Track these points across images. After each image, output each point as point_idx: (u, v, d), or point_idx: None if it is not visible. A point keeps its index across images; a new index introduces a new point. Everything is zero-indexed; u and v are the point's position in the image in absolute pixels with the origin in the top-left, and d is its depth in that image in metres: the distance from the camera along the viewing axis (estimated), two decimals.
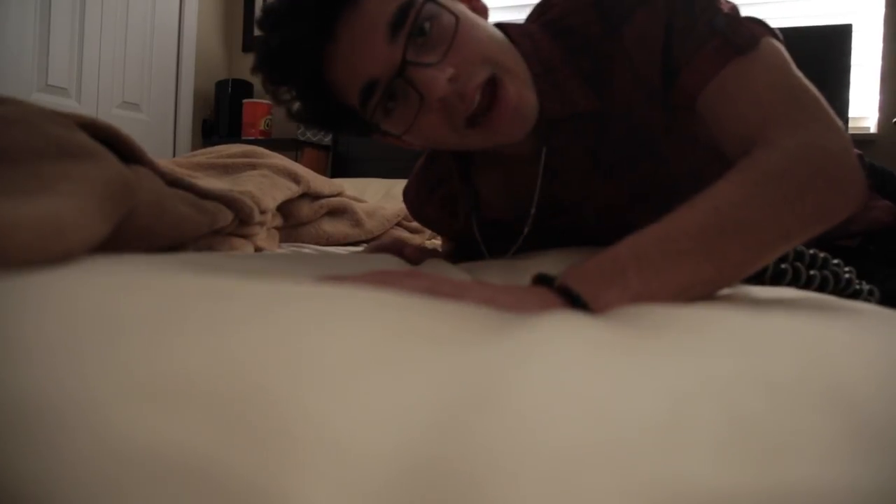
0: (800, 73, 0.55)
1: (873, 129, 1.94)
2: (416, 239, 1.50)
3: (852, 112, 1.79)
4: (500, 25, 0.66)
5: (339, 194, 1.22)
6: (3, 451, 0.14)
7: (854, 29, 1.80)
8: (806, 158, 0.47)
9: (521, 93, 0.58)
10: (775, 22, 0.60)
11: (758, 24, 0.58)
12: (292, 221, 1.09)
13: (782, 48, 0.57)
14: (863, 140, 1.92)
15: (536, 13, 0.69)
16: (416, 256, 0.78)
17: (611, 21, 0.61)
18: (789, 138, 0.49)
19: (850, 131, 1.81)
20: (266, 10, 0.61)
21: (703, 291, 0.43)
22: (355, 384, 0.18)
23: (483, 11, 0.64)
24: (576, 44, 0.63)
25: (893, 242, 0.76)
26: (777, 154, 0.48)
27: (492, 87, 0.57)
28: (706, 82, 0.56)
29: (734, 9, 0.59)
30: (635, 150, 0.64)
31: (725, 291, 0.36)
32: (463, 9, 0.60)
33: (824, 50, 1.78)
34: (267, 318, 0.22)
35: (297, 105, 0.64)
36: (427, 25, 0.56)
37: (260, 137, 2.62)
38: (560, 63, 0.63)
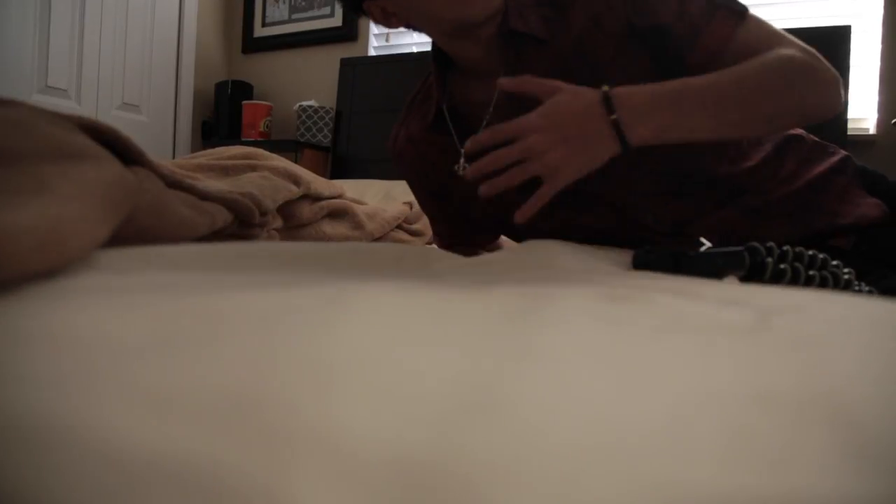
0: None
1: (872, 131, 1.94)
2: (416, 242, 1.50)
3: (851, 113, 1.79)
4: None
5: (339, 196, 1.22)
6: (9, 470, 0.14)
7: (853, 30, 1.81)
8: (802, 66, 0.69)
9: None
10: (775, 23, 0.72)
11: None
12: (292, 223, 1.09)
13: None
14: (862, 141, 1.92)
15: None
16: None
17: None
18: (790, 51, 0.69)
19: (850, 132, 1.81)
20: None
21: (703, 136, 0.65)
22: (356, 385, 0.18)
23: None
24: None
25: (885, 240, 0.77)
26: (781, 56, 0.68)
27: None
28: (727, 42, 0.74)
29: None
30: (585, 76, 0.76)
31: (730, 294, 0.37)
32: None
33: (823, 51, 1.77)
34: (266, 320, 0.22)
35: None
36: None
37: (259, 139, 2.62)
38: (530, 4, 0.80)
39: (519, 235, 0.98)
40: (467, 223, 0.99)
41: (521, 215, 0.66)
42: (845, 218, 0.79)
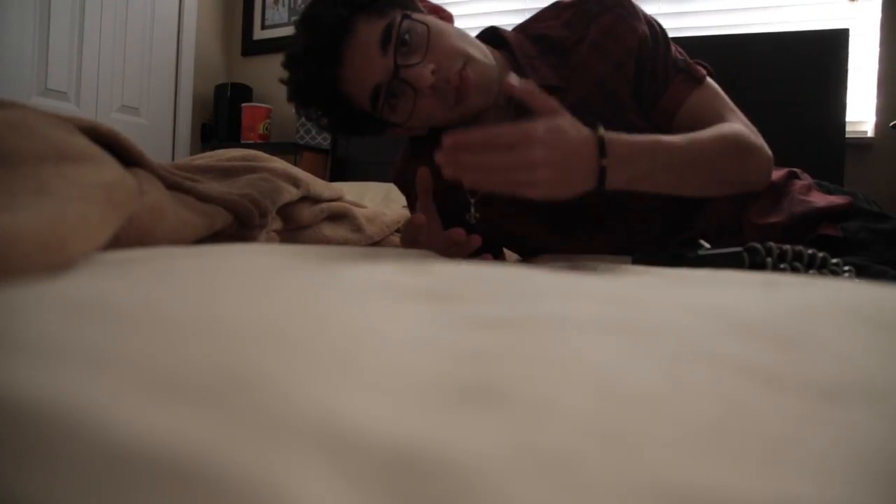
0: (727, 98, 0.87)
1: (871, 133, 1.94)
2: None
3: (850, 116, 1.79)
4: (496, 28, 0.91)
5: (338, 198, 1.22)
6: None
7: (851, 33, 1.81)
8: (749, 143, 0.79)
9: (482, 73, 0.79)
10: (772, 27, 0.76)
11: (699, 65, 0.87)
12: (292, 225, 1.09)
13: (712, 80, 0.88)
14: (860, 144, 1.92)
15: (520, 28, 0.93)
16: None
17: (575, 26, 0.86)
18: (736, 126, 0.79)
19: (848, 135, 1.80)
20: (288, 54, 0.82)
21: (663, 190, 0.72)
22: (355, 374, 0.18)
23: (449, 19, 0.86)
24: (546, 46, 0.87)
25: (863, 233, 0.84)
26: (733, 131, 0.78)
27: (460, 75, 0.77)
28: (680, 105, 0.84)
29: (682, 52, 0.88)
30: (608, 114, 0.82)
31: (734, 291, 0.37)
32: (433, 19, 0.80)
33: (821, 54, 1.78)
34: (264, 304, 0.22)
35: (325, 120, 0.86)
36: (407, 37, 0.76)
37: (259, 141, 2.61)
38: (536, 56, 0.86)
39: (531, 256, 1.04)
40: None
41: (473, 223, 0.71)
42: (818, 203, 0.88)
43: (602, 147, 0.64)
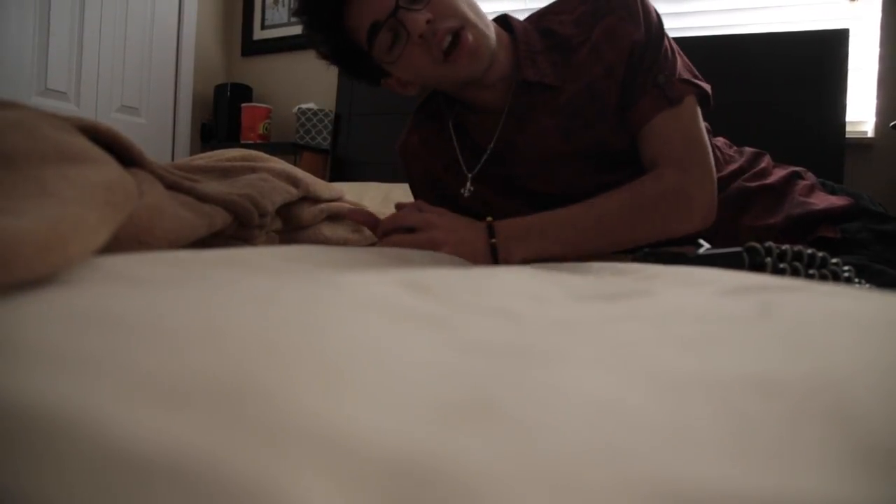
0: (701, 126, 0.85)
1: (871, 134, 1.94)
2: None
3: (850, 116, 1.79)
4: (506, 16, 0.93)
5: (338, 199, 1.22)
6: (2, 459, 0.14)
7: (851, 33, 1.81)
8: (675, 198, 0.79)
9: (479, 41, 0.81)
10: (772, 27, 0.74)
11: (686, 84, 0.84)
12: (292, 225, 1.09)
13: (696, 104, 0.85)
14: (860, 145, 1.92)
15: (534, 17, 0.94)
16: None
17: (584, 26, 0.86)
18: (673, 176, 0.80)
19: (848, 135, 1.81)
20: None
21: (569, 257, 0.77)
22: (357, 382, 0.18)
23: None
24: (553, 42, 0.88)
25: (863, 233, 0.85)
26: (659, 187, 0.80)
27: (458, 34, 0.79)
28: (645, 122, 0.84)
29: (674, 65, 0.85)
30: (592, 117, 0.86)
31: (735, 286, 0.37)
32: None
33: (821, 54, 1.78)
34: (265, 316, 0.22)
35: (326, 47, 0.89)
36: None
37: (259, 141, 2.61)
38: (540, 50, 0.88)
39: None
40: None
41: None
42: (818, 205, 0.88)
43: (491, 231, 0.78)
